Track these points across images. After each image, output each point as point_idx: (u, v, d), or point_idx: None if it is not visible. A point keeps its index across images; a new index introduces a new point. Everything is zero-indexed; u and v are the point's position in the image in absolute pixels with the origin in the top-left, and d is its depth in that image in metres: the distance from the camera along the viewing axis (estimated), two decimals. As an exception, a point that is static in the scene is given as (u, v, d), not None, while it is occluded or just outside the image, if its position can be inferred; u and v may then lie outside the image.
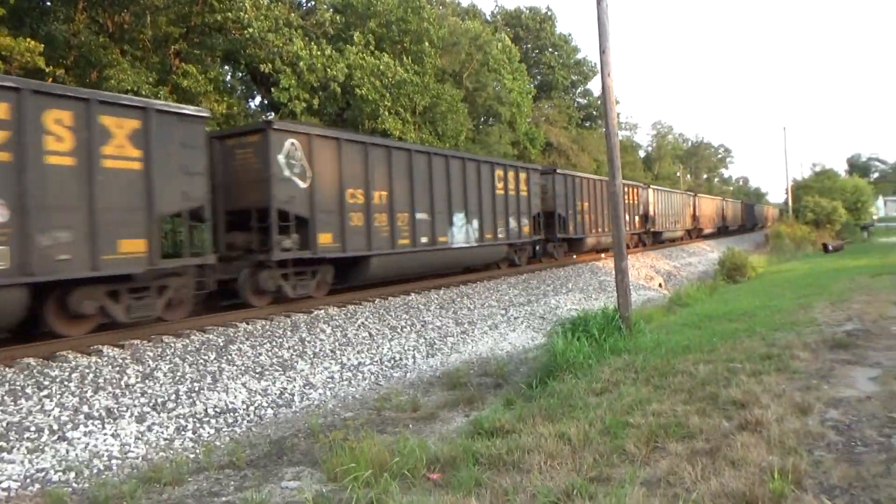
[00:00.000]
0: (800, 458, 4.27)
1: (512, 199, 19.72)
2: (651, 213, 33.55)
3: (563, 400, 6.60)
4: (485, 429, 5.93)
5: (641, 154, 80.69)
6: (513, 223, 19.68)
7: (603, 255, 26.84)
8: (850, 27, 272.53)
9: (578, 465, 4.67)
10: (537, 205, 21.40)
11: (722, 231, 53.87)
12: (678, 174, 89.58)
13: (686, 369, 7.13)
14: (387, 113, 25.78)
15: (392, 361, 10.98)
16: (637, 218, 31.35)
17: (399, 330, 12.46)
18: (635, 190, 31.35)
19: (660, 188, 35.99)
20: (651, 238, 34.54)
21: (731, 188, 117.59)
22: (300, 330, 11.17)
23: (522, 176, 20.59)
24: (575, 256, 25.73)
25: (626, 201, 28.12)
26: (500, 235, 18.88)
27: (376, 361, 10.79)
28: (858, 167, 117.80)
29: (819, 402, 5.58)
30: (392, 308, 13.60)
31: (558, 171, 23.80)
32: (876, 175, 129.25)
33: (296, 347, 10.44)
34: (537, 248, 22.53)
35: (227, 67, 28.27)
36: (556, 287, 19.22)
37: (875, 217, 65.42)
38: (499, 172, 19.10)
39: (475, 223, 17.68)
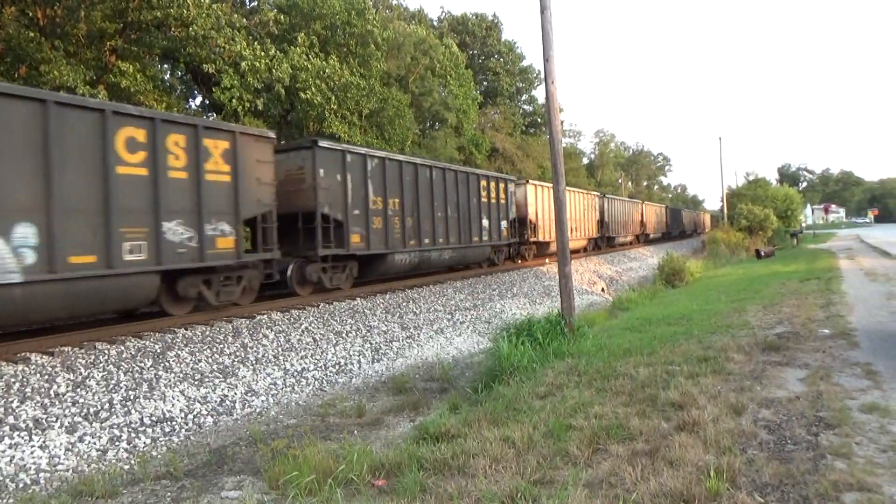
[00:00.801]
0: (734, 457, 4.43)
1: (179, 185, 10.64)
2: (531, 216, 25.85)
3: (507, 404, 6.65)
4: (430, 434, 5.92)
5: (585, 161, 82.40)
6: (181, 233, 10.63)
7: (547, 259, 27.22)
8: (782, 44, 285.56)
9: (522, 468, 4.71)
10: (261, 199, 12.32)
11: (641, 240, 46.95)
12: (620, 181, 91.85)
13: (627, 372, 7.30)
14: (333, 116, 25.57)
15: (337, 367, 10.85)
16: (504, 224, 23.13)
17: (344, 335, 12.33)
18: (501, 185, 23.04)
19: (545, 184, 27.56)
20: (533, 250, 26.88)
21: (670, 195, 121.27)
22: (242, 335, 10.92)
23: (216, 146, 11.36)
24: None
25: (484, 199, 21.56)
26: (129, 257, 9.75)
27: (320, 367, 10.65)
28: (788, 176, 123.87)
29: (752, 402, 5.80)
30: (337, 313, 13.45)
31: (322, 143, 14.05)
32: (804, 184, 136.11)
33: (237, 353, 10.20)
34: (272, 272, 12.96)
35: (165, 66, 27.51)
36: (502, 292, 19.39)
37: (803, 224, 68.52)
38: (132, 132, 9.90)
39: (29, 234, 8.47)
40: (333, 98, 24.94)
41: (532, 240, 26.33)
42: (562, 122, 71.79)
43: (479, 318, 15.80)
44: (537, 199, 26.63)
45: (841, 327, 9.46)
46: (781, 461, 4.44)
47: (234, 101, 22.87)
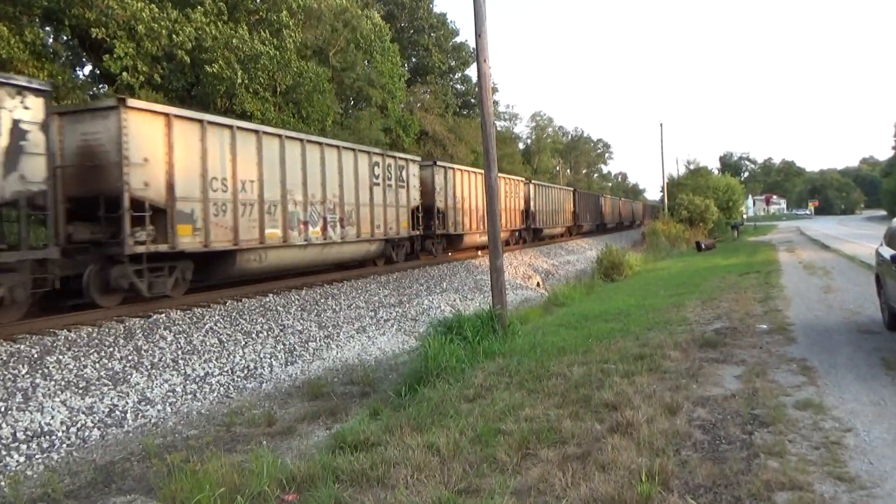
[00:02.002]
0: (667, 459, 4.59)
1: None
2: (183, 190, 12.77)
3: (433, 408, 6.68)
4: (348, 442, 5.87)
5: (521, 146, 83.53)
6: None
7: (479, 252, 27.46)
8: (725, 31, 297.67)
9: (447, 477, 4.73)
10: None
11: (528, 238, 35.74)
12: (557, 168, 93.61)
13: (560, 372, 7.47)
14: (244, 91, 24.94)
15: (245, 371, 10.63)
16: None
17: (254, 335, 12.09)
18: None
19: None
20: (176, 279, 13.14)
21: (610, 184, 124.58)
22: (135, 337, 10.54)
23: None
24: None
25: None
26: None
27: (227, 371, 10.40)
28: (730, 166, 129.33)
29: (687, 401, 6.04)
30: (246, 311, 13.16)
31: None
32: (746, 174, 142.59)
33: (130, 357, 9.83)
34: None
35: (48, 29, 26.06)
36: (430, 287, 19.45)
37: (745, 216, 71.80)
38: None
39: None
40: (242, 71, 24.29)
41: (153, 249, 12.06)
42: (496, 104, 72.54)
43: (405, 316, 15.79)
44: (209, 152, 13.34)
45: (778, 322, 9.98)
46: (715, 462, 4.63)
47: (127, 71, 21.92)
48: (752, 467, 4.50)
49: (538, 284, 25.67)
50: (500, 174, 31.77)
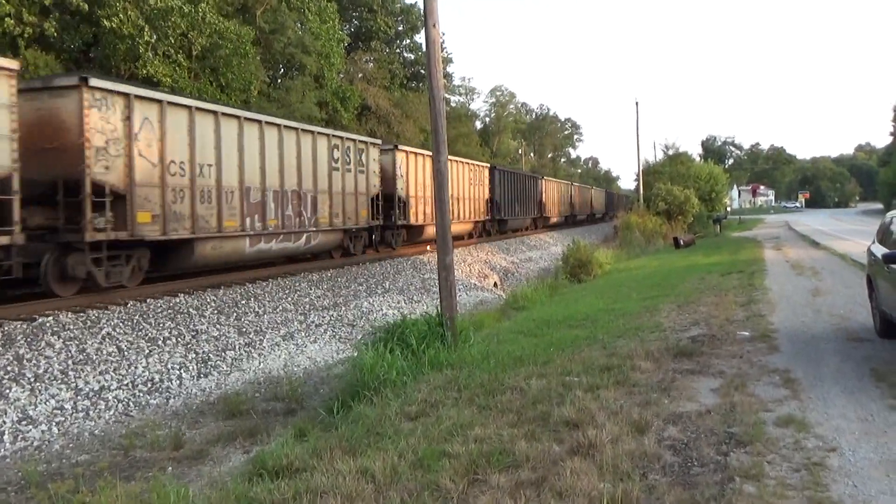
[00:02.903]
0: (632, 485, 4.68)
1: None
2: None
3: (369, 427, 6.69)
4: (268, 468, 5.86)
5: (478, 125, 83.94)
6: None
7: (428, 247, 27.52)
8: (707, 5, 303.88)
9: (382, 507, 4.74)
10: None
11: (378, 241, 25.39)
12: (520, 151, 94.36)
13: (517, 385, 7.55)
14: (151, 53, 24.43)
15: (149, 384, 10.47)
16: None
17: (161, 342, 11.90)
18: None
19: None
20: None
21: (579, 170, 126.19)
22: (16, 343, 10.27)
23: None
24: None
25: None
26: None
27: (126, 385, 10.23)
28: (713, 151, 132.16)
29: (658, 418, 6.16)
30: (151, 313, 12.93)
31: None
32: (731, 161, 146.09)
33: (9, 368, 9.60)
34: None
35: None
36: (371, 287, 19.42)
37: (728, 208, 73.47)
38: None
39: None
40: (148, 28, 23.78)
41: None
42: (449, 76, 72.59)
43: (340, 320, 15.75)
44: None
45: (762, 329, 10.26)
46: (685, 487, 4.74)
47: (10, 17, 21.22)
48: (725, 493, 4.61)
49: (495, 285, 25.86)
50: (326, 131, 21.39)
